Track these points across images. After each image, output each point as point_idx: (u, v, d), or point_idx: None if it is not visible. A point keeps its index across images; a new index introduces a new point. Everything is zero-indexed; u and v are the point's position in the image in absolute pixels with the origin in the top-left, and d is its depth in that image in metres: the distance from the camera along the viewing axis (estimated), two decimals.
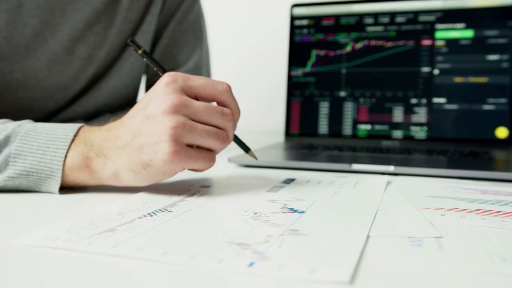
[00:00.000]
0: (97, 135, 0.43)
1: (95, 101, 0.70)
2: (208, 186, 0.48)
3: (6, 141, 0.43)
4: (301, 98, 0.93)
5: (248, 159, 0.63)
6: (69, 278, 0.25)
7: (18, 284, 0.24)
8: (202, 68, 0.80)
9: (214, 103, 0.45)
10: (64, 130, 0.44)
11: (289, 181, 0.51)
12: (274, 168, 0.61)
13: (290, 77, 0.94)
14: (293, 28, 0.94)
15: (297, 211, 0.37)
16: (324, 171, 0.59)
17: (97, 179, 0.43)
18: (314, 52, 0.92)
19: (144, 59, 0.47)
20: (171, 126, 0.39)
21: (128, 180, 0.42)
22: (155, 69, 0.47)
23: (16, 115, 0.64)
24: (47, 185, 0.43)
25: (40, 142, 0.43)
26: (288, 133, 0.93)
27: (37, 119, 0.66)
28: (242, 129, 1.37)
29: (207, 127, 0.42)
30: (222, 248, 0.28)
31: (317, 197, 0.43)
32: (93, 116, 0.70)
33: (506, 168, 0.59)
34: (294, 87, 0.93)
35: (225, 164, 0.64)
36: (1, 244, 0.29)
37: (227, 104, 0.44)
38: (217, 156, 0.74)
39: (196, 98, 0.43)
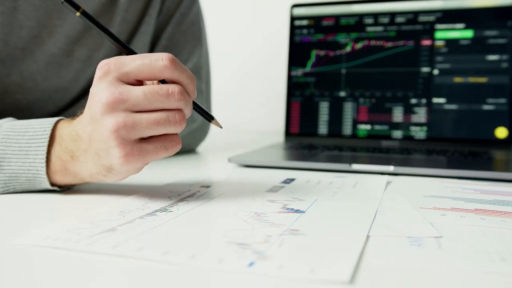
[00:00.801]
0: (66, 133, 0.42)
1: None
2: (208, 186, 0.48)
3: None
4: (301, 98, 0.93)
5: (248, 159, 0.63)
6: (70, 278, 0.25)
7: (18, 284, 0.24)
8: (201, 69, 0.80)
9: None
10: (41, 125, 0.43)
11: (289, 181, 0.51)
12: (274, 168, 0.61)
13: (290, 77, 0.94)
14: (293, 28, 0.95)
15: (297, 211, 0.37)
16: (324, 171, 0.59)
17: (80, 179, 0.43)
18: (314, 52, 0.93)
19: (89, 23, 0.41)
20: (112, 129, 0.37)
21: (102, 180, 0.42)
22: (99, 31, 0.41)
23: (15, 117, 0.64)
24: (38, 184, 0.43)
25: (21, 143, 0.42)
26: (288, 133, 0.93)
27: None
28: (242, 129, 1.38)
29: (154, 115, 0.38)
30: (222, 248, 0.28)
31: (317, 197, 0.43)
32: None
33: (506, 168, 0.59)
34: (294, 87, 0.93)
35: (225, 164, 0.64)
36: (1, 244, 0.29)
37: (173, 80, 0.39)
38: (217, 156, 0.74)
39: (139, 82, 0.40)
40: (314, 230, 0.32)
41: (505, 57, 0.81)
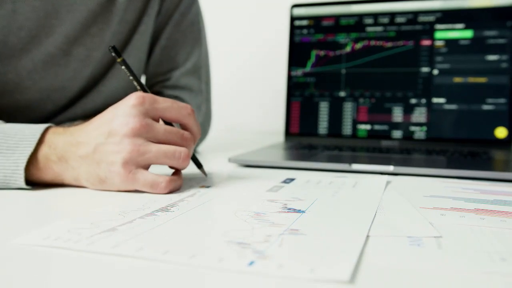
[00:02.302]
0: (61, 138, 0.45)
1: (94, 103, 0.70)
2: (208, 186, 0.48)
3: None
4: (301, 98, 0.93)
5: (248, 159, 0.63)
6: (70, 278, 0.25)
7: (18, 284, 0.24)
8: (201, 68, 0.80)
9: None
10: (31, 130, 0.45)
11: (289, 181, 0.51)
12: (274, 168, 0.61)
13: (290, 77, 0.94)
14: (293, 29, 0.95)
15: (297, 210, 0.38)
16: (323, 171, 0.59)
17: (60, 180, 0.46)
18: (314, 53, 0.93)
19: (123, 68, 0.48)
20: (127, 149, 0.42)
21: (87, 186, 0.45)
22: (131, 78, 0.48)
23: (14, 117, 0.64)
24: (14, 180, 0.44)
25: (10, 143, 0.45)
26: (288, 133, 0.93)
27: (35, 121, 0.66)
28: (243, 129, 1.38)
29: (163, 147, 0.44)
30: (222, 248, 0.28)
31: (317, 197, 0.43)
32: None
33: (506, 168, 0.59)
34: (294, 87, 0.93)
35: (225, 164, 0.64)
36: (2, 243, 0.30)
37: (189, 126, 0.47)
38: (217, 156, 0.74)
39: (162, 119, 0.46)
40: (314, 230, 0.32)
41: (504, 57, 0.81)
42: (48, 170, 0.45)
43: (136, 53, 0.72)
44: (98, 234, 0.30)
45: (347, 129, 0.89)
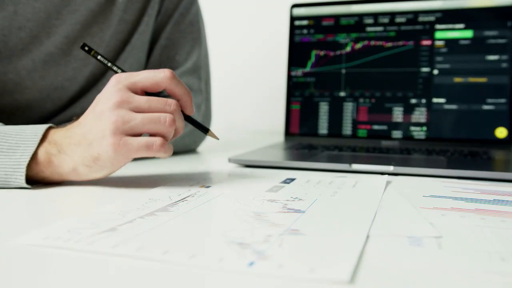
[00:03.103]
0: (59, 134, 0.47)
1: None
2: (208, 186, 0.48)
3: None
4: (301, 98, 0.93)
5: (248, 159, 0.63)
6: (70, 278, 0.25)
7: (19, 284, 0.24)
8: (200, 68, 0.80)
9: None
10: (32, 130, 0.47)
11: (289, 181, 0.51)
12: (274, 168, 0.61)
13: (290, 77, 0.94)
14: (293, 29, 0.95)
15: (297, 211, 0.37)
16: (324, 171, 0.59)
17: (58, 174, 0.46)
18: (314, 53, 0.93)
19: (99, 58, 0.50)
20: (113, 120, 0.43)
21: (84, 174, 0.46)
22: (114, 69, 0.50)
23: (14, 116, 0.64)
24: (14, 178, 0.45)
25: (11, 142, 0.46)
26: (288, 133, 0.93)
27: (35, 121, 0.66)
28: (242, 129, 1.38)
29: (148, 114, 0.45)
30: (222, 248, 0.28)
31: (317, 197, 0.43)
32: None
33: (506, 168, 0.59)
34: (294, 87, 0.93)
35: (225, 164, 0.64)
36: (1, 244, 0.30)
37: (172, 90, 0.47)
38: (217, 156, 0.74)
39: (145, 93, 0.47)
40: (314, 230, 0.32)
41: (505, 57, 0.81)
42: (48, 164, 0.45)
43: (135, 53, 0.72)
44: (98, 234, 0.30)
45: (347, 129, 0.89)
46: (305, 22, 0.94)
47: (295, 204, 0.40)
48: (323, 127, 0.90)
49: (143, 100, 0.45)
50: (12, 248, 0.29)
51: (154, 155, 0.45)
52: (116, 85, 0.45)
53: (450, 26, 0.85)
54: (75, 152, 0.45)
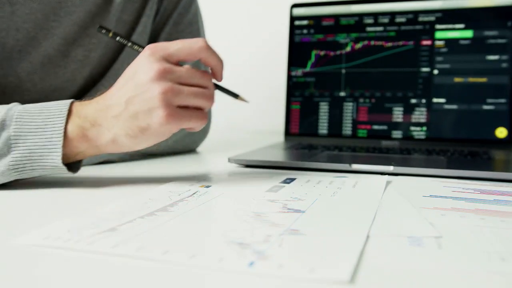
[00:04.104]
0: (89, 107, 0.46)
1: None
2: (208, 186, 0.48)
3: (3, 125, 0.44)
4: (301, 98, 0.93)
5: (248, 159, 0.63)
6: (70, 278, 0.25)
7: (18, 284, 0.24)
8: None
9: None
10: (57, 107, 0.46)
11: (289, 181, 0.51)
12: (274, 168, 0.61)
13: (290, 77, 0.94)
14: (293, 29, 0.95)
15: (297, 211, 0.37)
16: (324, 171, 0.59)
17: (95, 147, 0.46)
18: (314, 52, 0.93)
19: (118, 39, 0.50)
20: (161, 91, 0.43)
21: (126, 144, 0.45)
22: (134, 48, 0.51)
23: None
24: (51, 159, 0.44)
25: (38, 121, 0.45)
26: (288, 133, 0.93)
27: None
28: (242, 129, 1.38)
29: (193, 88, 0.45)
30: (222, 248, 0.28)
31: (317, 197, 0.43)
32: None
33: (506, 168, 0.59)
34: (294, 87, 0.93)
35: (225, 164, 0.64)
36: (1, 244, 0.30)
37: (207, 59, 0.48)
38: (217, 156, 0.74)
39: (179, 63, 0.47)
40: (314, 230, 0.32)
41: (505, 57, 0.81)
42: (82, 139, 0.45)
43: (134, 54, 0.72)
44: (98, 234, 0.30)
45: (347, 129, 0.89)
46: (305, 22, 0.94)
47: (295, 204, 0.40)
48: (323, 127, 0.90)
49: (183, 71, 0.45)
50: (12, 248, 0.29)
51: (200, 127, 0.47)
52: (152, 56, 0.45)
53: (450, 26, 0.85)
54: (114, 124, 0.44)
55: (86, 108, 0.46)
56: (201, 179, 0.52)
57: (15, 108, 0.46)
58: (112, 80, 0.70)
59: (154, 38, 0.76)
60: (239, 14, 1.31)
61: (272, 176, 0.54)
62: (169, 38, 0.76)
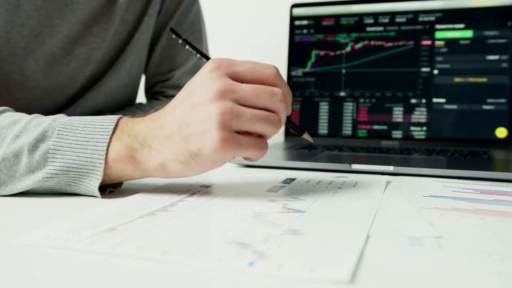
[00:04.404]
0: (141, 125, 0.42)
1: (94, 102, 0.70)
2: (208, 186, 0.48)
3: (44, 136, 0.41)
4: (301, 98, 0.93)
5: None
6: (70, 278, 0.25)
7: (18, 284, 0.24)
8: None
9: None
10: (102, 123, 0.42)
11: (289, 181, 0.51)
12: (274, 168, 0.61)
13: (290, 77, 0.94)
14: (293, 29, 0.95)
15: (297, 210, 0.37)
16: (324, 171, 0.59)
17: (142, 171, 0.41)
18: (314, 52, 0.93)
19: (187, 47, 0.46)
20: (218, 112, 0.38)
21: (175, 171, 0.41)
22: (198, 56, 0.46)
23: None
24: (88, 181, 0.41)
25: (79, 137, 0.41)
26: (288, 133, 0.93)
27: None
28: None
29: (257, 111, 0.39)
30: (222, 248, 0.28)
31: (317, 197, 0.43)
32: None
33: (506, 168, 0.59)
34: (294, 87, 0.93)
35: (225, 164, 0.64)
36: (1, 244, 0.30)
37: (276, 87, 0.41)
38: None
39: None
40: (314, 230, 0.32)
41: (505, 57, 0.81)
42: (129, 161, 0.40)
43: (136, 53, 0.72)
44: (98, 234, 0.30)
45: (347, 129, 0.89)
46: (305, 22, 0.94)
47: (295, 204, 0.40)
48: (323, 127, 0.90)
49: (248, 89, 0.39)
50: (12, 248, 0.29)
51: (257, 158, 0.41)
52: (215, 71, 0.40)
53: (450, 26, 0.85)
54: (165, 146, 0.40)
55: (138, 126, 0.41)
56: (201, 179, 0.52)
57: (60, 119, 0.43)
58: (112, 79, 0.70)
59: (156, 37, 0.76)
60: (239, 14, 1.31)
61: (272, 176, 0.54)
62: (171, 38, 0.76)
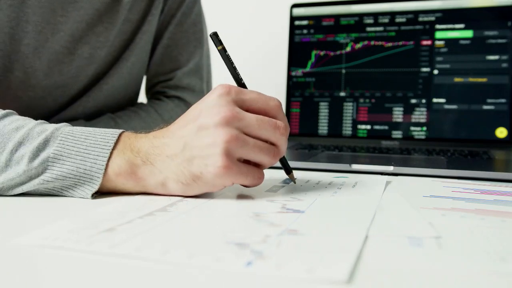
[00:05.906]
0: (144, 141, 0.42)
1: (95, 101, 0.70)
2: None
3: (45, 144, 0.41)
4: (301, 98, 0.93)
5: None
6: (70, 278, 0.25)
7: (18, 284, 0.24)
8: (202, 68, 0.80)
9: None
10: (104, 136, 0.42)
11: (288, 181, 0.51)
12: (274, 168, 0.61)
13: (290, 77, 0.94)
14: (293, 29, 0.95)
15: (296, 211, 0.37)
16: (323, 171, 0.59)
17: (142, 187, 0.42)
18: (314, 53, 0.93)
19: (222, 57, 0.46)
20: (224, 139, 0.38)
21: (175, 190, 0.41)
22: (235, 73, 0.46)
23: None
24: (82, 190, 0.42)
25: (80, 147, 0.41)
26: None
27: (35, 119, 0.66)
28: None
29: (260, 142, 0.41)
30: (221, 248, 0.28)
31: (316, 197, 0.43)
32: (94, 116, 0.70)
33: (506, 168, 0.59)
34: (294, 87, 0.93)
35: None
36: (1, 244, 0.29)
37: (277, 119, 0.43)
38: None
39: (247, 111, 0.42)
40: (313, 230, 0.32)
41: (505, 57, 0.81)
42: (130, 176, 0.41)
43: (138, 52, 0.72)
44: (98, 234, 0.30)
45: (347, 129, 0.89)
46: (305, 22, 0.94)
47: (294, 204, 0.40)
48: (323, 127, 0.90)
49: (254, 119, 0.40)
50: (12, 248, 0.29)
51: (253, 186, 0.42)
52: (224, 97, 0.40)
53: (450, 26, 0.85)
54: (167, 166, 0.40)
55: (141, 142, 0.42)
56: None
57: (63, 128, 0.43)
58: (114, 79, 0.70)
59: (158, 37, 0.76)
60: (239, 14, 1.31)
61: (272, 176, 0.54)
62: (173, 38, 0.76)
